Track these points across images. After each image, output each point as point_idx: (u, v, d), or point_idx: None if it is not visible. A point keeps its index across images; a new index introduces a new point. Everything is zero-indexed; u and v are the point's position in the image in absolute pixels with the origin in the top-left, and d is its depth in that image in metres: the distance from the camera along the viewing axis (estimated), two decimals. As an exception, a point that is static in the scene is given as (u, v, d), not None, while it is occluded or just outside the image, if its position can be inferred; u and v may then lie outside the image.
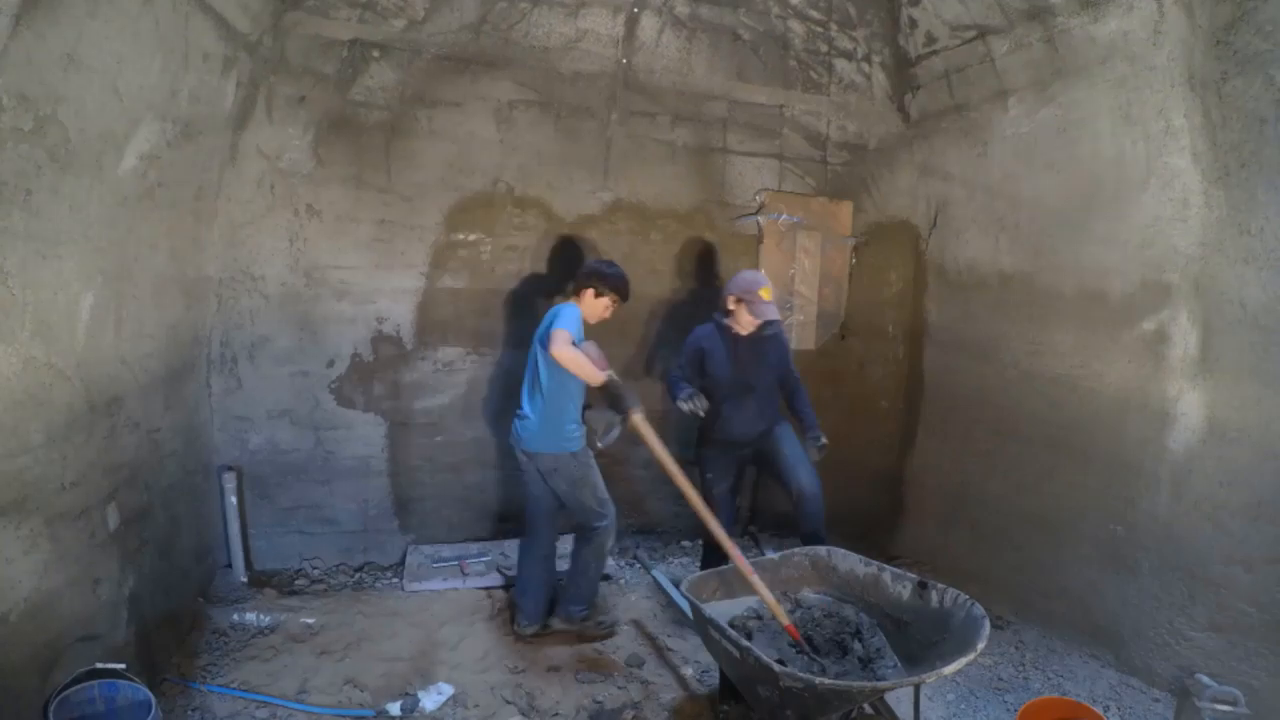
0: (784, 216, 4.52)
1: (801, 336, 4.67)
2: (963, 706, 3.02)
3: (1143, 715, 2.96)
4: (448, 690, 2.91)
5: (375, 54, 3.69)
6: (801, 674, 2.15)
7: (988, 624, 2.40)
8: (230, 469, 3.68)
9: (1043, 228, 3.72)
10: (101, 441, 2.48)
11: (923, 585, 2.67)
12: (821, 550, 3.02)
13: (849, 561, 2.93)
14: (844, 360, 4.80)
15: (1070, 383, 3.55)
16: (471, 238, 4.07)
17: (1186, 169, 2.95)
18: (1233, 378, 2.87)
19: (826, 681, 2.12)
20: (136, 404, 2.76)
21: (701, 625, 2.57)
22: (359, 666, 3.08)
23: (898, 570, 2.81)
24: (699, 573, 2.79)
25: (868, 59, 4.41)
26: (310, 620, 3.40)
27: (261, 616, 3.37)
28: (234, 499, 3.65)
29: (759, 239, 4.57)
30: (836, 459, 4.81)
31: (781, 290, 4.61)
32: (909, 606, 2.69)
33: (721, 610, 2.68)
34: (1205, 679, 2.58)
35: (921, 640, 2.60)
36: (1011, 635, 3.60)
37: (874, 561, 2.89)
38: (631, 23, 4.02)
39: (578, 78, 4.09)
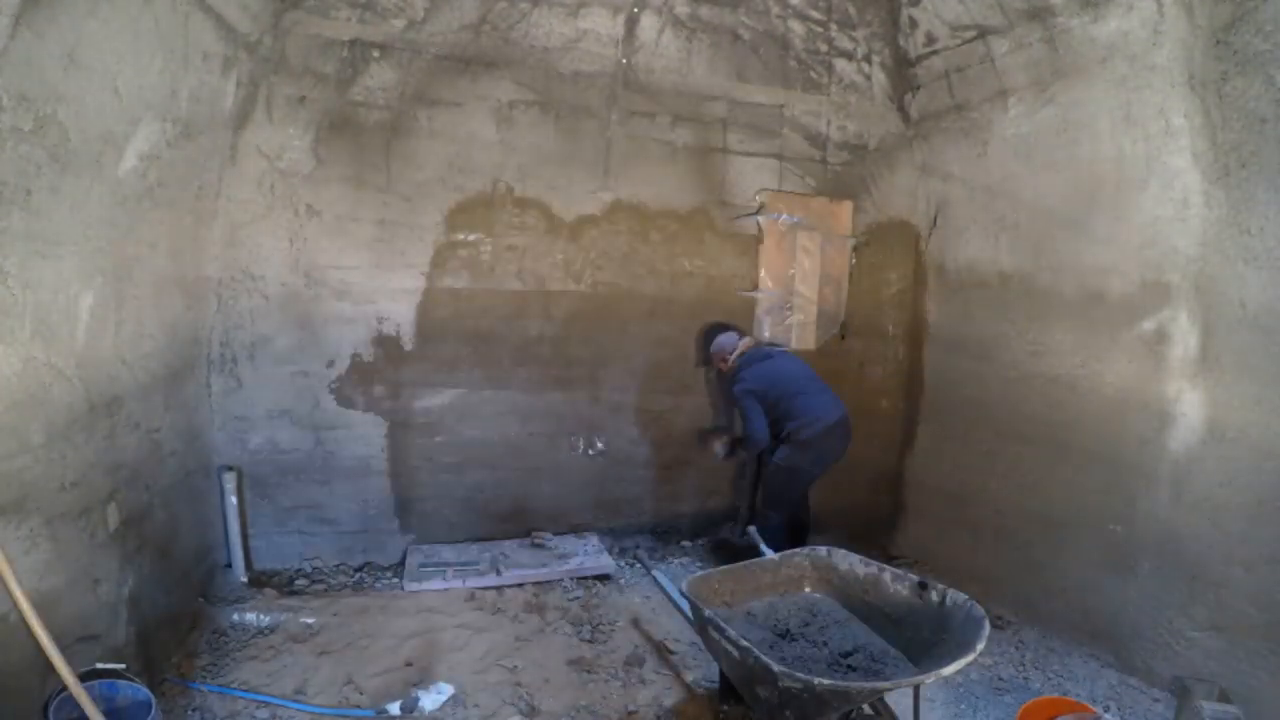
0: (784, 216, 4.52)
1: (801, 336, 4.67)
2: (963, 706, 3.01)
3: (1143, 715, 2.96)
4: (447, 690, 2.91)
5: (375, 54, 3.69)
6: (800, 674, 2.15)
7: (988, 624, 2.40)
8: (230, 469, 3.67)
9: (1043, 228, 3.72)
10: (101, 441, 2.48)
11: (922, 585, 2.67)
12: (821, 550, 3.02)
13: (849, 561, 2.94)
14: (844, 360, 4.80)
15: (1070, 383, 3.55)
16: (471, 238, 4.07)
17: (1186, 169, 2.95)
18: (1233, 378, 2.87)
19: (825, 682, 2.12)
20: (136, 404, 2.76)
21: (701, 625, 2.57)
22: (359, 667, 3.08)
23: (898, 570, 2.82)
24: (699, 573, 2.79)
25: (868, 59, 4.41)
26: (310, 620, 3.39)
27: (261, 616, 3.36)
28: (234, 499, 3.65)
29: (759, 239, 4.57)
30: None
31: (781, 290, 4.61)
32: (909, 606, 2.69)
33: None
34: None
35: (921, 640, 2.59)
36: (1011, 635, 3.60)
37: (874, 561, 2.89)
38: (631, 23, 4.02)
39: (578, 78, 4.09)
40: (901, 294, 4.83)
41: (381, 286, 3.94)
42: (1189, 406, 3.03)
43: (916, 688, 2.48)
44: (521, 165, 4.09)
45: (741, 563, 2.99)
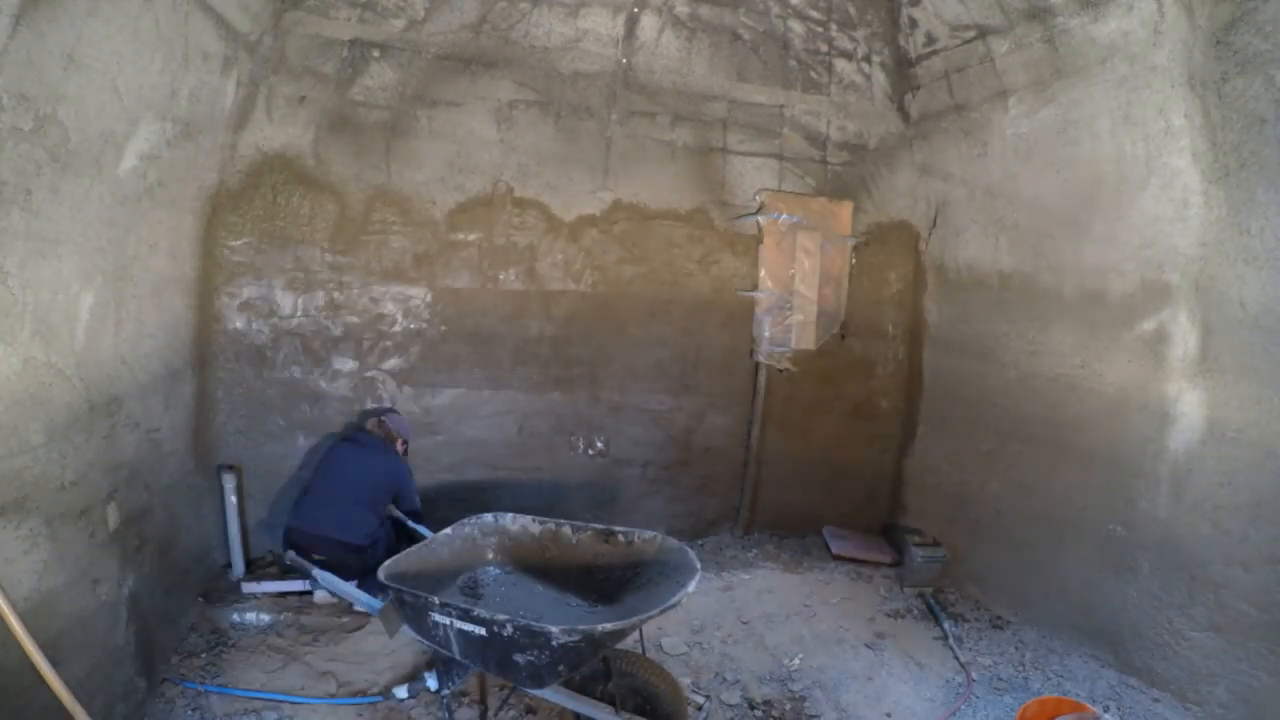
0: (784, 216, 4.52)
1: (801, 336, 4.67)
2: (963, 706, 3.02)
3: (1143, 715, 2.96)
4: None
5: (375, 54, 3.69)
6: (581, 627, 2.17)
7: (690, 552, 2.58)
8: (230, 469, 3.67)
9: (1043, 228, 3.72)
10: (101, 441, 2.48)
11: (609, 534, 2.76)
12: (488, 517, 2.96)
13: (520, 523, 2.94)
14: (844, 360, 4.80)
15: (1070, 383, 3.55)
16: (471, 237, 4.07)
17: (1186, 169, 2.95)
18: (1233, 378, 2.87)
19: (608, 626, 2.17)
20: (136, 404, 2.76)
21: (419, 612, 2.39)
22: (360, 664, 3.08)
23: (577, 523, 2.85)
24: (387, 563, 2.55)
25: (868, 59, 4.41)
26: (310, 619, 3.39)
27: (261, 616, 3.36)
28: (234, 499, 3.65)
29: (759, 239, 4.56)
30: (837, 459, 4.83)
31: (781, 290, 4.61)
32: (603, 555, 2.74)
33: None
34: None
35: (616, 579, 2.67)
36: (1011, 635, 3.60)
37: (547, 519, 2.90)
38: (631, 23, 4.03)
39: (578, 78, 4.09)
40: (901, 294, 4.82)
41: (381, 286, 3.95)
42: (1189, 406, 3.03)
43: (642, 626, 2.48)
44: (521, 165, 4.09)
45: (418, 545, 2.80)
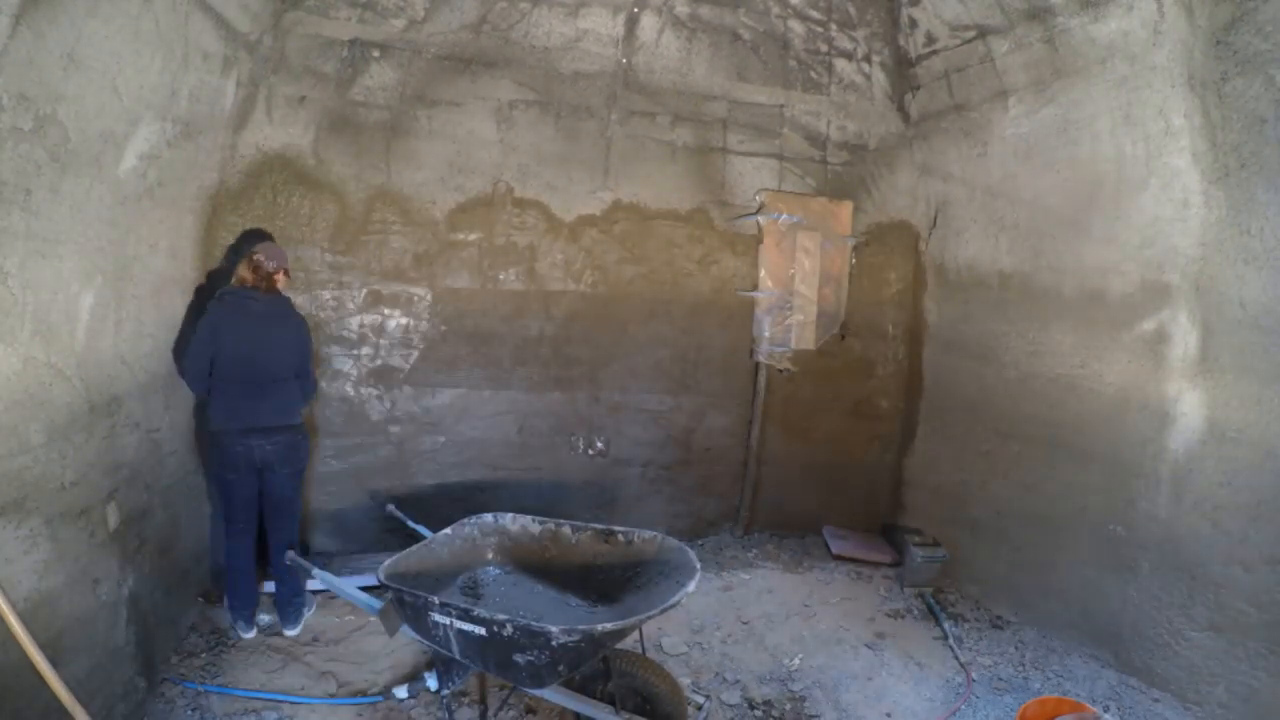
0: (784, 216, 4.52)
1: (801, 336, 4.67)
2: (963, 707, 3.02)
3: (1143, 715, 2.96)
4: None
5: (375, 54, 3.69)
6: (581, 626, 2.16)
7: (690, 552, 2.57)
8: (230, 469, 3.67)
9: (1043, 228, 3.72)
10: (101, 441, 2.48)
11: (609, 534, 2.77)
12: (488, 517, 2.96)
13: (520, 523, 2.94)
14: (844, 360, 4.80)
15: (1070, 383, 3.55)
16: (472, 237, 4.07)
17: (1186, 169, 2.95)
18: (1233, 378, 2.87)
19: (608, 626, 2.17)
20: (136, 404, 2.76)
21: (419, 612, 2.38)
22: (360, 664, 3.08)
23: (577, 523, 2.85)
24: (388, 562, 2.55)
25: (868, 59, 4.41)
26: (310, 619, 3.39)
27: (262, 616, 3.36)
28: (234, 499, 3.64)
29: (759, 239, 4.57)
30: (837, 459, 4.83)
31: (781, 290, 4.61)
32: (603, 555, 2.74)
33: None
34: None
35: (615, 579, 2.67)
36: (1011, 635, 3.60)
37: (547, 519, 2.91)
38: (631, 23, 4.03)
39: (578, 78, 4.09)
40: (901, 294, 4.83)
41: (381, 287, 3.95)
42: (1189, 406, 3.03)
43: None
44: (521, 165, 4.09)
45: (417, 545, 2.78)
